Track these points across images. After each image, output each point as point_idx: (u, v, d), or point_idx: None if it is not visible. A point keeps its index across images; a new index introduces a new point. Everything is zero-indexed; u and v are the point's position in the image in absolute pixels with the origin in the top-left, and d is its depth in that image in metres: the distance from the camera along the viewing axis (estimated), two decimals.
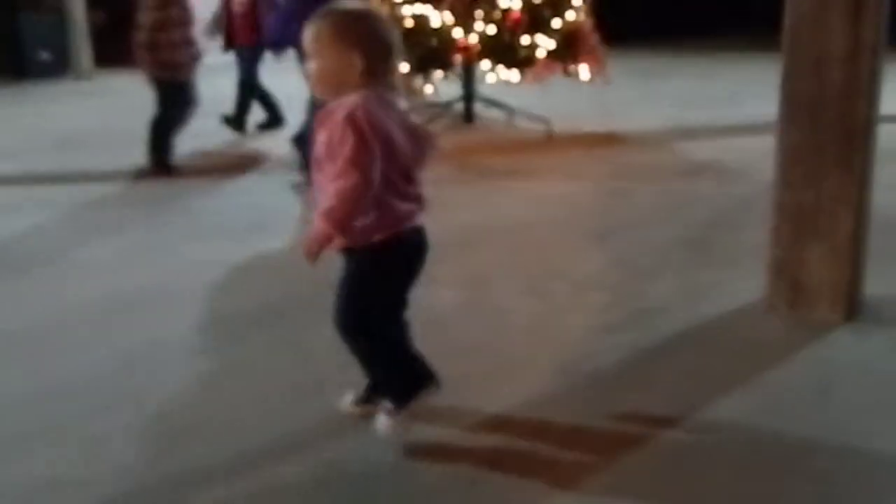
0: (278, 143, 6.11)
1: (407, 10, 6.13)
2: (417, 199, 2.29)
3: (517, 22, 5.91)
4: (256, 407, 2.56)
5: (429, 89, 6.60)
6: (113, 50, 11.70)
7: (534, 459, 2.26)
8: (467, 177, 5.06)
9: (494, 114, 6.73)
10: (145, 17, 5.38)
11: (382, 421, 2.31)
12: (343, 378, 2.48)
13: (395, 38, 2.23)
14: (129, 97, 9.48)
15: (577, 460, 2.25)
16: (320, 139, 2.17)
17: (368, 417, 2.37)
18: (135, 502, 2.13)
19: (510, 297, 3.39)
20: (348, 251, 2.23)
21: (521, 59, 6.01)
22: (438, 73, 6.39)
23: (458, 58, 6.25)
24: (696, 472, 2.19)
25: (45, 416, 2.51)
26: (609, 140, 6.06)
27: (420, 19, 6.13)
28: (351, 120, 2.07)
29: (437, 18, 6.14)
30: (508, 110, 6.63)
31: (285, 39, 5.11)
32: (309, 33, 2.19)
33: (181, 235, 4.28)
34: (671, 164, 5.60)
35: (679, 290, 3.40)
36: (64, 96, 9.71)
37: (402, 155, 2.17)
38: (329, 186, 2.12)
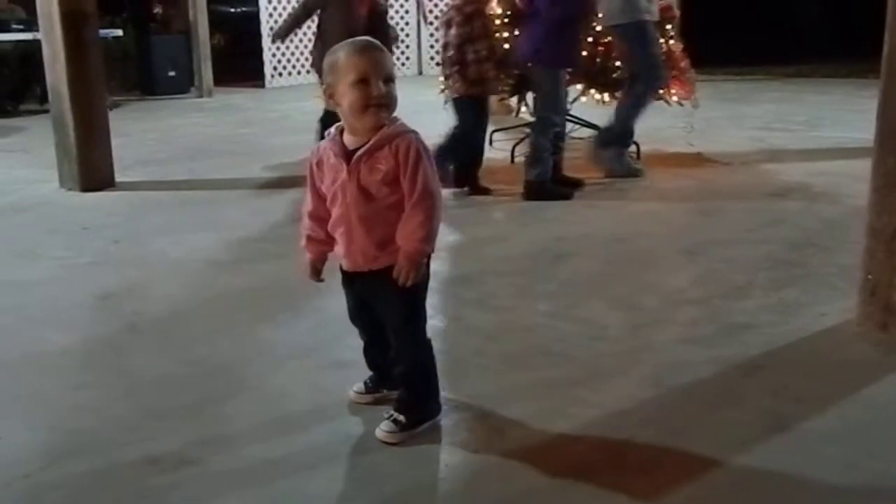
0: None
1: (504, 34, 6.11)
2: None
3: (610, 45, 5.83)
4: None
5: (522, 109, 6.57)
6: (228, 69, 12.13)
7: (620, 471, 2.20)
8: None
9: (584, 133, 6.65)
10: (450, 34, 5.04)
11: (386, 429, 2.32)
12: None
13: None
14: (246, 112, 9.84)
15: (663, 474, 2.18)
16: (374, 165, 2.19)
17: (379, 403, 2.45)
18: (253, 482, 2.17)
19: (600, 309, 3.33)
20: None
21: (612, 82, 5.92)
22: (531, 95, 6.35)
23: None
24: (783, 492, 2.10)
25: (175, 397, 2.59)
26: (696, 161, 5.92)
27: (515, 42, 6.09)
28: (411, 147, 2.16)
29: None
30: (598, 130, 6.54)
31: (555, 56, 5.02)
32: (386, 57, 2.21)
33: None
34: (758, 184, 5.44)
35: (768, 308, 3.28)
36: (189, 111, 10.04)
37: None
38: (388, 213, 2.20)
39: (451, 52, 5.05)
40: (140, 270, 3.92)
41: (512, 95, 6.41)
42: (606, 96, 6.07)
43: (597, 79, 6.01)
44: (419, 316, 2.34)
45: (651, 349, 2.96)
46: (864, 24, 6.30)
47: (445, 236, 4.42)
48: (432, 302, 3.37)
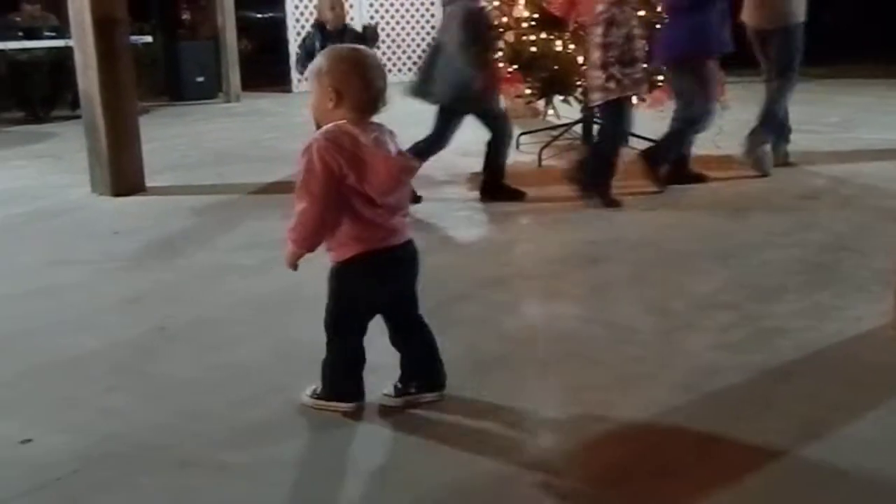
0: None
1: (532, 37, 6.10)
2: (387, 222, 2.37)
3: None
4: None
5: (550, 112, 6.55)
6: (255, 74, 12.20)
7: (651, 477, 2.17)
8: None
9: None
10: (613, 33, 4.71)
11: (305, 395, 2.55)
12: None
13: (382, 78, 2.35)
14: (273, 117, 9.89)
15: (694, 480, 2.15)
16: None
17: (410, 406, 2.51)
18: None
19: (631, 313, 3.30)
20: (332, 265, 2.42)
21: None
22: (559, 97, 6.33)
23: (579, 82, 6.17)
24: (818, 501, 2.06)
25: (203, 401, 2.60)
26: (725, 163, 5.85)
27: (544, 45, 6.08)
28: (307, 151, 2.27)
29: (560, 45, 6.08)
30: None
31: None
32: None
33: None
34: (789, 187, 5.36)
35: (801, 313, 3.23)
36: (217, 116, 10.11)
37: (371, 178, 2.27)
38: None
39: (612, 53, 4.71)
40: (170, 274, 3.94)
41: (540, 98, 6.38)
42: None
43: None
44: (329, 311, 2.50)
45: (682, 354, 2.92)
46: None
47: (474, 239, 4.42)
48: (463, 304, 3.40)
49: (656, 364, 2.85)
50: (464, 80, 4.81)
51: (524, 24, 6.08)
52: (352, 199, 2.30)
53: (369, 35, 5.89)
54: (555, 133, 6.47)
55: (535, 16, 6.00)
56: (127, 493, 2.16)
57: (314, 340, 3.05)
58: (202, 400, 2.63)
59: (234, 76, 11.56)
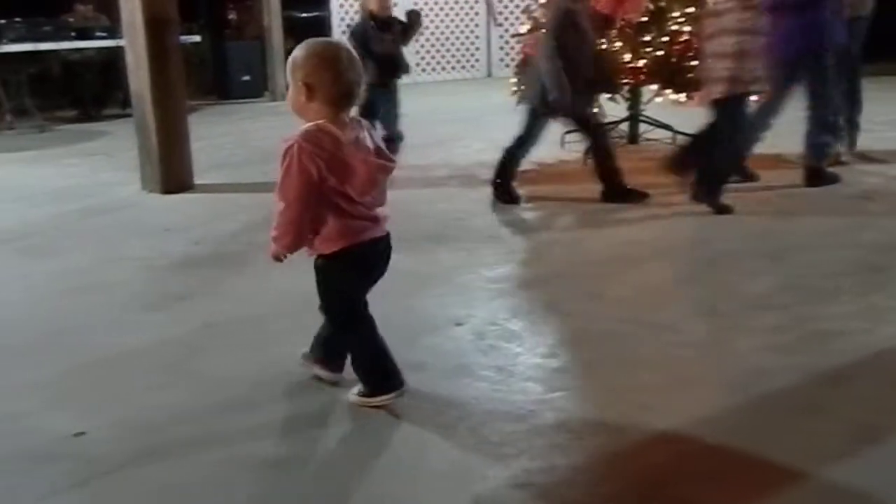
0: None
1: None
2: (369, 217, 2.42)
3: (686, 45, 5.71)
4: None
5: (595, 110, 6.48)
6: None
7: (698, 480, 2.14)
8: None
9: (659, 135, 6.53)
10: (735, 20, 4.40)
11: (352, 395, 2.57)
12: None
13: (353, 71, 2.34)
14: None
15: (743, 485, 2.11)
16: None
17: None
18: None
19: (678, 314, 3.25)
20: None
21: (688, 82, 5.80)
22: (605, 96, 6.27)
23: (626, 80, 6.11)
24: None
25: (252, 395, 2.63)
26: (775, 162, 5.75)
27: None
28: (287, 153, 2.29)
29: (606, 42, 6.03)
30: (673, 132, 6.42)
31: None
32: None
33: None
34: (841, 186, 5.24)
35: (855, 314, 3.16)
36: (263, 115, 10.21)
37: (351, 179, 2.32)
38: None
39: (743, 42, 4.39)
40: (217, 272, 3.99)
41: None
42: (683, 97, 5.94)
43: (673, 79, 5.89)
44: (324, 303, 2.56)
45: (731, 356, 2.88)
46: None
47: (517, 238, 4.39)
48: (507, 304, 3.39)
49: (704, 366, 2.81)
50: (547, 86, 4.78)
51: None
52: (334, 198, 2.34)
53: (413, 20, 5.97)
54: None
55: None
56: (175, 487, 2.19)
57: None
58: (248, 396, 2.66)
59: (279, 75, 11.66)
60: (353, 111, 2.48)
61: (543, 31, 4.90)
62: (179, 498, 2.15)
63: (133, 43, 5.54)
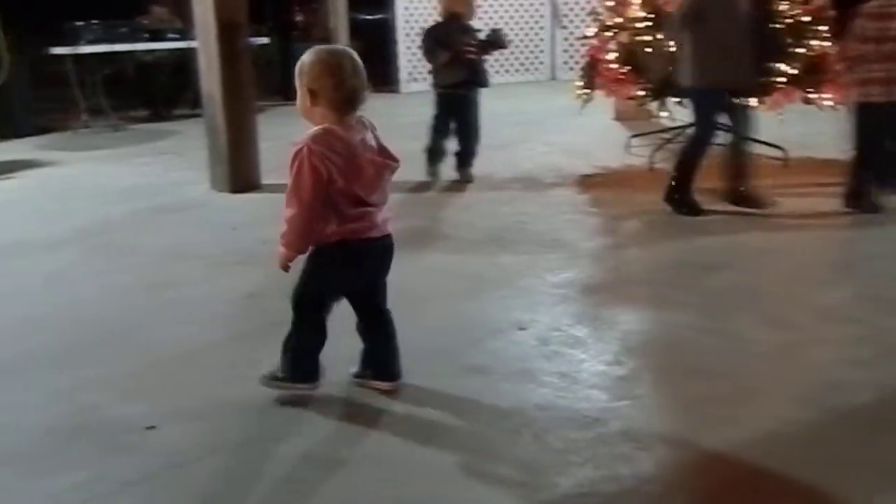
0: None
1: (646, 37, 5.96)
2: (366, 218, 2.47)
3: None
4: None
5: (664, 114, 6.39)
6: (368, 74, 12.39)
7: (768, 498, 2.09)
8: (701, 201, 4.83)
9: (726, 139, 6.39)
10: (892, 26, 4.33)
11: (263, 377, 2.66)
12: None
13: (356, 77, 2.42)
14: (382, 117, 9.97)
15: (817, 501, 2.05)
16: None
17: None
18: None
19: (749, 323, 3.18)
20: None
21: (759, 86, 5.66)
22: (674, 99, 6.16)
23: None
24: None
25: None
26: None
27: (658, 45, 5.94)
28: (296, 155, 2.35)
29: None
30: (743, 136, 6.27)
31: None
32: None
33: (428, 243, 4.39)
34: None
35: None
36: None
37: (360, 180, 2.39)
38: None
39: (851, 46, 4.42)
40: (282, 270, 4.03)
41: (654, 99, 6.23)
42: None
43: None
44: (299, 289, 2.60)
45: (804, 368, 2.80)
46: None
47: (583, 243, 4.35)
48: (571, 310, 3.36)
49: (775, 377, 2.74)
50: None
51: (639, 24, 5.94)
52: (337, 199, 2.41)
53: (496, 39, 5.74)
54: (667, 136, 6.31)
55: (651, 15, 5.86)
56: (246, 482, 2.22)
57: (421, 340, 3.10)
58: (318, 393, 2.68)
59: None
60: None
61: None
62: (248, 493, 2.18)
63: (205, 45, 5.66)
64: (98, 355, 3.07)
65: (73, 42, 8.68)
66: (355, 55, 2.50)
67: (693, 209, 4.74)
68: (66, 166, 7.01)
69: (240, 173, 5.79)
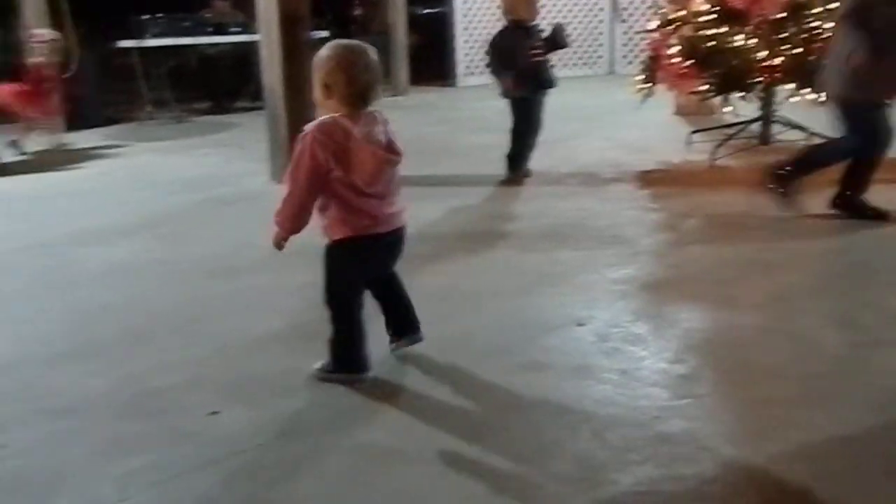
0: None
1: (710, 31, 5.86)
2: (374, 213, 2.58)
3: (825, 44, 5.43)
4: None
5: (727, 109, 6.28)
6: (417, 68, 12.39)
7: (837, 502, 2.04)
8: (761, 200, 4.74)
9: (792, 136, 6.26)
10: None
11: (315, 369, 2.75)
12: None
13: (369, 74, 2.53)
14: (440, 111, 10.02)
15: None
16: None
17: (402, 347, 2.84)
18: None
19: (815, 324, 3.11)
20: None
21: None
22: (738, 94, 6.05)
23: (759, 79, 5.88)
24: None
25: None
26: None
27: (722, 39, 5.84)
28: (301, 140, 2.49)
29: (740, 39, 5.81)
30: (807, 133, 6.13)
31: None
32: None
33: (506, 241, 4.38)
34: None
35: None
36: (385, 109, 10.34)
37: (358, 170, 2.50)
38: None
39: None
40: None
41: (717, 94, 6.12)
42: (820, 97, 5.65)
43: (811, 78, 5.61)
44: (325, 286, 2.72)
45: (873, 371, 2.73)
46: None
47: (643, 239, 4.30)
48: (630, 306, 3.33)
49: (841, 381, 2.68)
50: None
51: (702, 18, 5.85)
52: (339, 189, 2.52)
53: (558, 37, 5.65)
54: (730, 132, 6.20)
55: (715, 9, 5.76)
56: (305, 470, 2.26)
57: (483, 336, 3.10)
58: (375, 387, 2.71)
59: (402, 70, 11.83)
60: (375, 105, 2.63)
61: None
62: (311, 481, 2.22)
63: (268, 39, 5.73)
64: (164, 343, 3.15)
65: (139, 36, 8.92)
66: (371, 51, 2.59)
67: (877, 214, 4.45)
68: (131, 157, 7.20)
69: None
